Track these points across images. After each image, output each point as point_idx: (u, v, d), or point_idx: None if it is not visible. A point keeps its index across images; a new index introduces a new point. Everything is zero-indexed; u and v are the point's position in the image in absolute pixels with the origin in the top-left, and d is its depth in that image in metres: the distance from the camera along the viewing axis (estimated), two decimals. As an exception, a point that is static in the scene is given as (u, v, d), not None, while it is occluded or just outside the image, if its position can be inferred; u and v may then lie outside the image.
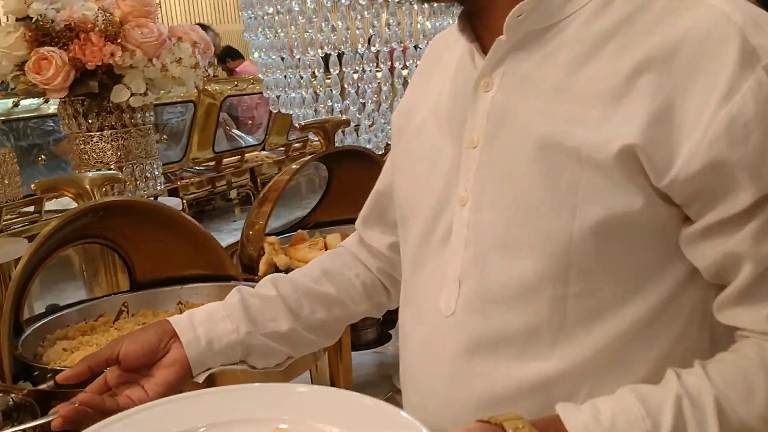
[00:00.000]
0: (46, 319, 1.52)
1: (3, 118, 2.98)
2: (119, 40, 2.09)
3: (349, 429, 0.82)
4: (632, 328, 0.81)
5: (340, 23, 3.23)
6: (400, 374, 1.02)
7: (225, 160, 4.54)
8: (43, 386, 1.23)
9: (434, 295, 0.91)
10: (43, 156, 3.15)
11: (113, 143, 2.33)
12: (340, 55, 3.38)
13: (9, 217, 3.16)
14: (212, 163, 4.50)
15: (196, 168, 4.51)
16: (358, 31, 3.32)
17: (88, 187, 1.49)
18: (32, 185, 1.48)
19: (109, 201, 1.51)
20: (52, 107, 3.49)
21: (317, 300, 1.10)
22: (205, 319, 1.01)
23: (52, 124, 3.70)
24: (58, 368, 1.26)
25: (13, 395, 1.15)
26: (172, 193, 3.93)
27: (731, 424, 0.74)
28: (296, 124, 3.85)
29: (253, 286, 1.10)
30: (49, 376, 1.25)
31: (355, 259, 1.17)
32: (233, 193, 4.77)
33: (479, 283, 0.86)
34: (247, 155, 4.70)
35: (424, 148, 0.96)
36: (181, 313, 1.13)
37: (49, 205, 3.20)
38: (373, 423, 0.81)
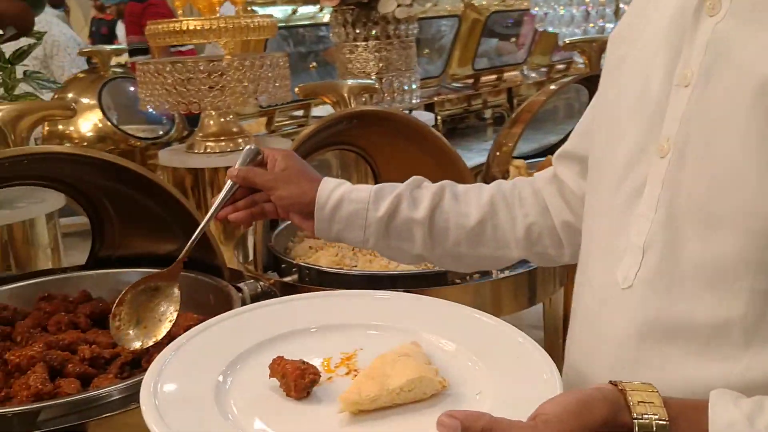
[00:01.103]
0: (298, 217, 1.61)
1: (283, 24, 3.19)
2: (390, -51, 2.10)
3: (464, 344, 0.79)
4: None
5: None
6: (567, 340, 0.89)
7: (483, 79, 4.49)
8: (287, 279, 1.31)
9: (612, 262, 0.77)
10: (314, 63, 3.35)
11: (376, 54, 2.38)
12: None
13: (281, 119, 3.44)
14: (470, 81, 4.47)
15: (454, 84, 4.52)
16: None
17: (345, 94, 1.52)
18: (296, 89, 1.55)
19: (364, 110, 1.54)
20: (326, 16, 3.67)
21: (467, 234, 1.01)
22: (343, 220, 1.00)
23: (325, 31, 3.89)
24: (303, 264, 1.33)
25: (261, 283, 1.24)
26: (428, 108, 3.99)
27: None
28: (561, 44, 3.66)
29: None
30: (294, 269, 1.33)
31: (534, 197, 1.03)
32: (488, 113, 4.72)
33: (667, 255, 0.71)
34: (506, 74, 4.60)
35: (631, 81, 0.81)
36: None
37: (315, 111, 3.41)
38: (490, 340, 0.79)
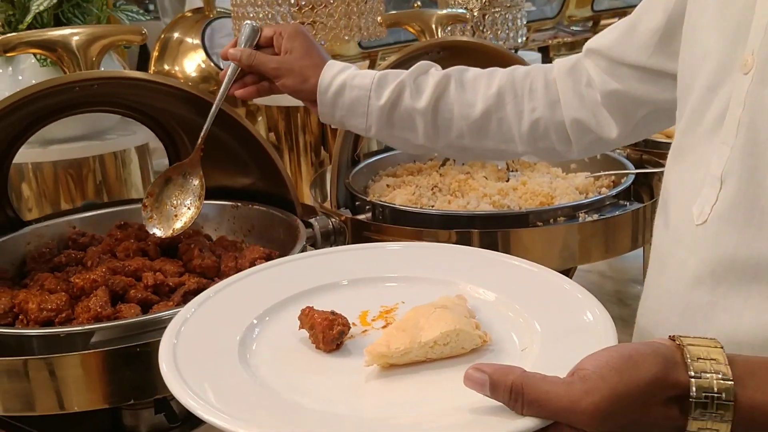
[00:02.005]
0: (381, 155, 1.55)
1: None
2: None
3: (503, 293, 0.74)
4: None
5: None
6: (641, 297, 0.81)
7: (603, 21, 4.20)
8: (360, 216, 1.26)
9: (689, 195, 0.69)
10: (418, 3, 3.23)
11: (479, -12, 2.25)
12: None
13: (383, 62, 3.35)
14: (589, 23, 4.20)
15: (572, 27, 4.26)
16: None
17: (433, 24, 1.43)
18: (378, 18, 1.47)
19: (452, 40, 1.44)
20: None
21: (470, 126, 1.00)
22: (345, 107, 1.01)
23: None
24: (377, 201, 1.27)
25: (333, 219, 1.19)
26: (543, 51, 3.78)
27: None
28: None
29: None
30: (367, 207, 1.28)
31: (546, 87, 0.98)
32: (608, 59, 4.43)
33: (746, 184, 0.63)
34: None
35: None
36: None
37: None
38: (536, 290, 0.74)
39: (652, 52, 0.87)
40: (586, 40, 3.74)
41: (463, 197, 1.30)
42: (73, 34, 1.12)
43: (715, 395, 0.50)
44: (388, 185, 1.38)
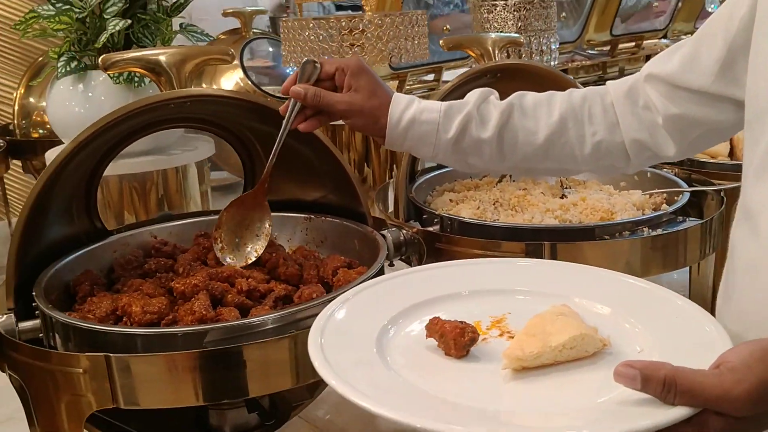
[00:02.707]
0: (437, 172, 1.61)
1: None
2: None
3: (619, 307, 0.79)
4: None
5: None
6: (718, 300, 0.87)
7: (621, 46, 4.29)
8: (430, 228, 1.32)
9: None
10: (448, 26, 3.31)
11: (515, 13, 2.33)
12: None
13: (411, 83, 3.43)
14: (606, 48, 4.29)
15: (589, 51, 4.35)
16: None
17: (490, 47, 1.50)
18: (440, 41, 1.54)
19: (509, 63, 1.51)
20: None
21: (535, 150, 1.05)
22: (415, 139, 1.06)
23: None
24: (445, 214, 1.33)
25: (404, 231, 1.25)
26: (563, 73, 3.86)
27: None
28: (711, 9, 3.44)
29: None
30: (436, 220, 1.34)
31: (604, 112, 1.04)
32: (624, 82, 4.52)
33: None
34: (645, 42, 4.38)
35: None
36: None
37: (446, 75, 3.39)
38: (645, 302, 0.78)
39: (714, 79, 0.93)
40: (603, 63, 3.85)
41: (523, 212, 1.36)
42: (167, 54, 1.19)
43: None
44: (450, 200, 1.45)
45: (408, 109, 1.05)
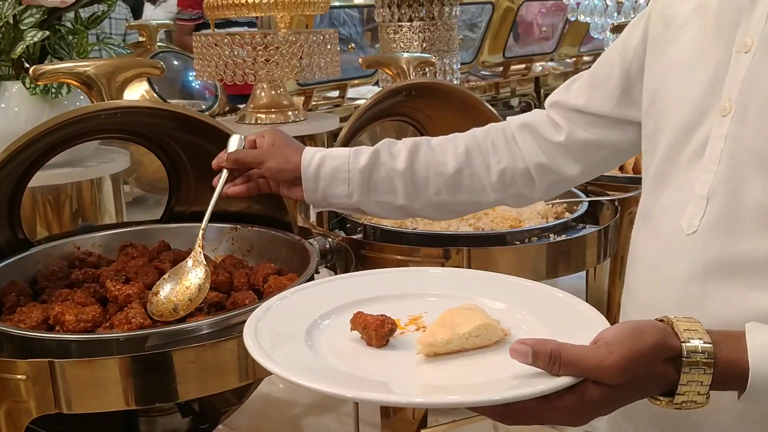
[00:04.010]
0: (355, 184, 1.68)
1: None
2: (440, -69, 2.15)
3: (513, 304, 0.88)
4: None
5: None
6: (623, 297, 0.98)
7: (512, 67, 4.54)
8: (354, 236, 1.38)
9: (677, 212, 0.85)
10: (352, 44, 3.41)
11: (420, 34, 2.44)
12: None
13: (317, 99, 3.50)
14: (500, 69, 4.52)
15: (483, 72, 4.57)
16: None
17: (404, 66, 1.58)
18: (360, 59, 1.61)
19: (423, 81, 1.60)
20: None
21: (446, 182, 1.09)
22: (328, 176, 1.08)
23: (360, 15, 3.95)
24: (368, 223, 1.40)
25: (330, 239, 1.31)
26: (459, 93, 4.05)
27: None
28: (594, 34, 3.71)
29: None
30: (359, 229, 1.41)
31: (506, 143, 1.11)
32: (515, 102, 4.77)
33: (730, 201, 0.79)
34: (535, 63, 4.65)
35: (682, 52, 0.88)
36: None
37: (351, 92, 3.48)
38: (535, 299, 0.87)
39: (616, 104, 1.01)
40: (497, 83, 4.08)
41: (440, 221, 1.45)
42: (98, 66, 1.20)
43: (700, 354, 0.67)
44: (372, 210, 1.52)
45: (319, 151, 1.11)
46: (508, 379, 0.69)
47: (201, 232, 1.14)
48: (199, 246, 1.13)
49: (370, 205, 1.10)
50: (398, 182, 1.08)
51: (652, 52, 0.95)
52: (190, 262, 1.12)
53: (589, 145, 1.05)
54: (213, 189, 1.42)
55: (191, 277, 1.10)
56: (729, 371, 0.68)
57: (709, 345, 0.67)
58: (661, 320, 0.71)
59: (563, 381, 0.65)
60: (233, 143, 1.15)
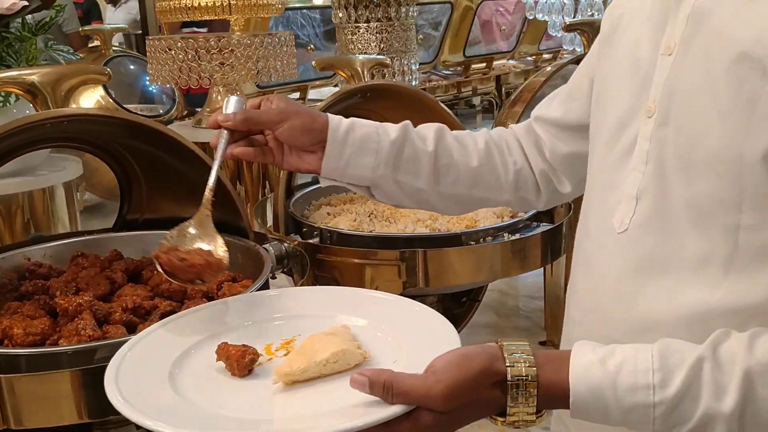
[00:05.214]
0: (312, 187, 1.68)
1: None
2: (395, -68, 2.16)
3: (376, 320, 0.90)
4: None
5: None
6: (567, 293, 0.99)
7: (473, 66, 4.56)
8: (311, 240, 1.38)
9: (609, 210, 0.86)
10: (311, 46, 3.40)
11: (377, 35, 2.45)
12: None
13: (277, 100, 3.49)
14: (461, 68, 4.55)
15: (444, 71, 4.59)
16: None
17: (359, 68, 1.58)
18: (313, 62, 1.61)
19: (378, 83, 1.60)
20: (319, 0, 3.72)
21: (466, 173, 1.05)
22: (357, 143, 0.99)
23: (320, 16, 3.94)
24: (324, 227, 1.40)
25: (286, 245, 1.31)
26: (420, 93, 4.06)
27: (758, 407, 0.66)
28: (552, 32, 3.75)
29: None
30: (315, 233, 1.40)
31: (519, 146, 1.10)
32: (476, 100, 4.80)
33: (658, 200, 0.81)
34: (495, 62, 4.68)
35: (622, 53, 0.90)
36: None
37: (312, 94, 3.47)
38: (396, 314, 0.90)
39: (588, 112, 1.00)
40: (458, 83, 4.12)
41: (396, 222, 1.46)
42: (42, 74, 1.18)
43: (524, 377, 0.70)
44: (328, 213, 1.52)
45: (349, 131, 1.00)
46: (354, 406, 0.71)
47: (205, 198, 1.01)
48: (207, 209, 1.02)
49: (389, 182, 1.03)
50: (424, 163, 1.03)
51: (599, 53, 0.97)
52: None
53: (575, 159, 1.04)
54: (166, 196, 1.42)
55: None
56: (552, 392, 0.71)
57: (533, 368, 0.70)
58: (497, 342, 0.74)
59: (396, 410, 0.69)
60: (232, 104, 0.99)
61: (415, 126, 1.06)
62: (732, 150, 0.73)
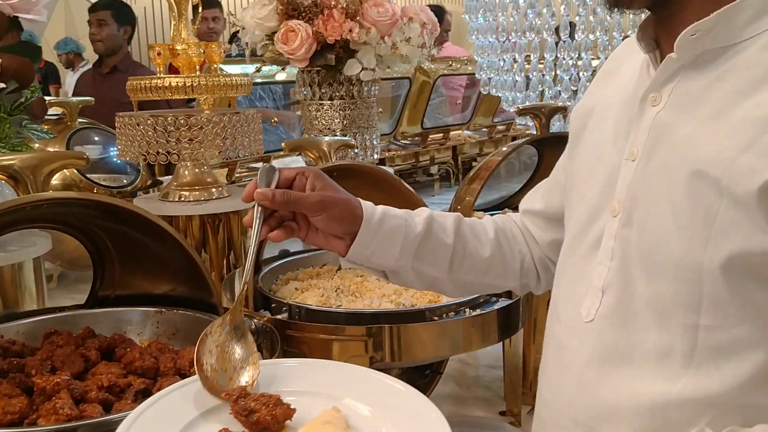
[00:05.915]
0: (279, 262, 1.73)
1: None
2: (357, 18, 2.28)
3: (381, 409, 0.87)
4: None
5: (562, 8, 3.23)
6: (539, 371, 1.03)
7: (430, 137, 4.72)
8: (279, 316, 1.43)
9: (577, 299, 0.91)
10: (275, 119, 3.49)
11: (341, 112, 2.54)
12: (557, 42, 3.38)
13: (241, 171, 3.55)
14: (418, 138, 4.70)
15: (403, 141, 4.73)
16: (578, 18, 3.31)
17: (326, 149, 1.66)
18: (282, 143, 1.68)
19: (344, 164, 1.68)
20: (280, 76, 3.83)
21: (480, 263, 1.08)
22: (386, 235, 1.00)
23: (280, 90, 4.05)
24: (293, 303, 1.45)
25: (255, 320, 1.35)
26: (380, 163, 4.18)
27: None
28: (505, 107, 3.92)
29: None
30: (284, 309, 1.45)
31: (521, 233, 1.14)
32: (434, 169, 4.95)
33: (623, 294, 0.85)
34: (452, 133, 4.84)
35: (589, 152, 0.96)
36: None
37: (275, 164, 3.55)
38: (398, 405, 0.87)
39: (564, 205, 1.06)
40: (416, 153, 4.23)
41: (362, 297, 1.52)
42: (22, 159, 1.22)
43: None
44: (296, 288, 1.57)
45: (376, 206, 1.02)
46: None
47: (242, 286, 1.00)
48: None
49: (408, 270, 1.04)
50: (443, 255, 1.05)
51: (569, 149, 1.04)
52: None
53: (558, 245, 1.05)
54: (138, 273, 1.46)
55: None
56: None
57: None
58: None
59: None
60: (266, 176, 0.96)
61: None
62: (691, 257, 0.79)
